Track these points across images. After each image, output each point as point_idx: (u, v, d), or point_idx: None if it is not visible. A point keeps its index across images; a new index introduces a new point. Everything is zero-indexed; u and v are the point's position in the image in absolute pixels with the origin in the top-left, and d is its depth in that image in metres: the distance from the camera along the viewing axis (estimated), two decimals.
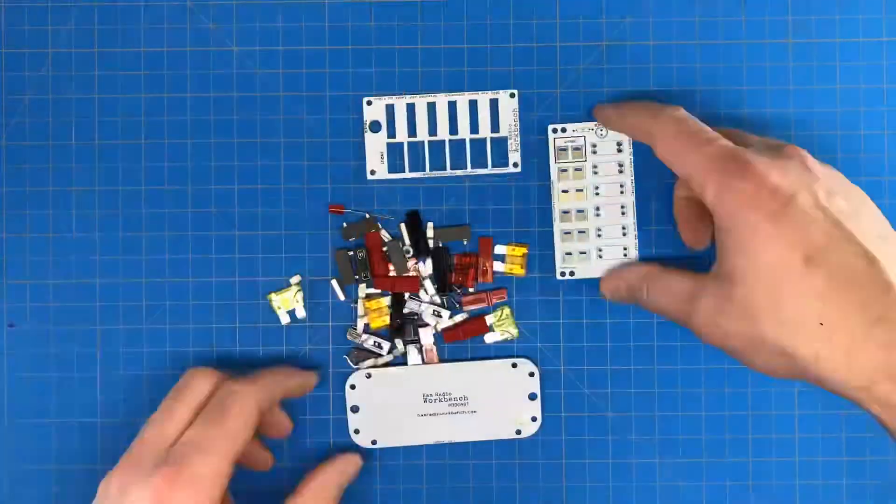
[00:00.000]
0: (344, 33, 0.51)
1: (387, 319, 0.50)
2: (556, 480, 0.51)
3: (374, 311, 0.50)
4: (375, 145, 0.51)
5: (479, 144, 0.51)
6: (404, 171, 0.51)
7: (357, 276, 0.50)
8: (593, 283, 0.50)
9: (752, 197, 0.42)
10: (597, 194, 0.50)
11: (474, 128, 0.51)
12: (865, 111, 0.51)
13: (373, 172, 0.51)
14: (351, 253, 0.50)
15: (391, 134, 0.51)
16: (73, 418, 0.51)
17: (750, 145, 0.45)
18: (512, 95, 0.51)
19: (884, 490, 0.51)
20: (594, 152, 0.51)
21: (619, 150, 0.51)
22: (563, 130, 0.51)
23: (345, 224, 0.51)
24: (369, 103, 0.51)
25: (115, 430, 0.51)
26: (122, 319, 0.51)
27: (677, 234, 0.50)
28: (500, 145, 0.51)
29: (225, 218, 0.51)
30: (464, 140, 0.51)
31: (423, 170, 0.51)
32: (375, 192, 0.51)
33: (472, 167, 0.51)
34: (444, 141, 0.51)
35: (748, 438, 0.51)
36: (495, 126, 0.51)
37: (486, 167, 0.51)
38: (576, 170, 0.51)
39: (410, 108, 0.51)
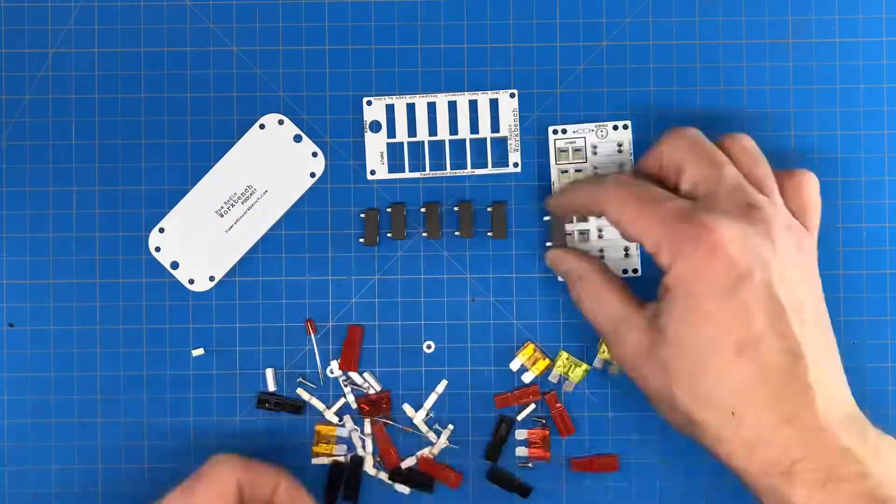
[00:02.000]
0: (344, 33, 0.51)
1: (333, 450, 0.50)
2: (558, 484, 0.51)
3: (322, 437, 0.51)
4: (375, 145, 0.51)
5: (479, 144, 0.51)
6: (404, 171, 0.51)
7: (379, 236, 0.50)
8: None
9: (704, 267, 0.41)
10: None
11: (474, 128, 0.51)
12: (865, 111, 0.51)
13: (373, 172, 0.51)
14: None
15: (391, 134, 0.51)
16: (72, 418, 0.51)
17: (717, 194, 0.43)
18: (512, 95, 0.51)
19: None
20: (594, 153, 0.51)
21: (620, 151, 0.50)
22: (564, 132, 0.51)
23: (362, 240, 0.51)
24: (369, 103, 0.51)
25: (115, 430, 0.51)
26: (122, 319, 0.51)
27: None
28: (501, 145, 0.51)
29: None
30: (464, 140, 0.51)
31: (424, 170, 0.51)
32: (375, 193, 0.51)
33: (473, 167, 0.51)
34: (444, 141, 0.51)
35: None
36: (495, 126, 0.51)
37: (487, 167, 0.51)
38: (576, 171, 0.51)
39: (410, 108, 0.51)
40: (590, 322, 0.46)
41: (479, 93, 0.51)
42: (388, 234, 0.51)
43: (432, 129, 0.51)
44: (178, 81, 0.51)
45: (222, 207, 0.50)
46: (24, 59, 0.51)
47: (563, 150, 0.50)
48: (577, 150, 0.50)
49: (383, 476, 0.50)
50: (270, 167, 0.50)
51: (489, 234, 0.51)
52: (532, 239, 0.51)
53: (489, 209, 0.51)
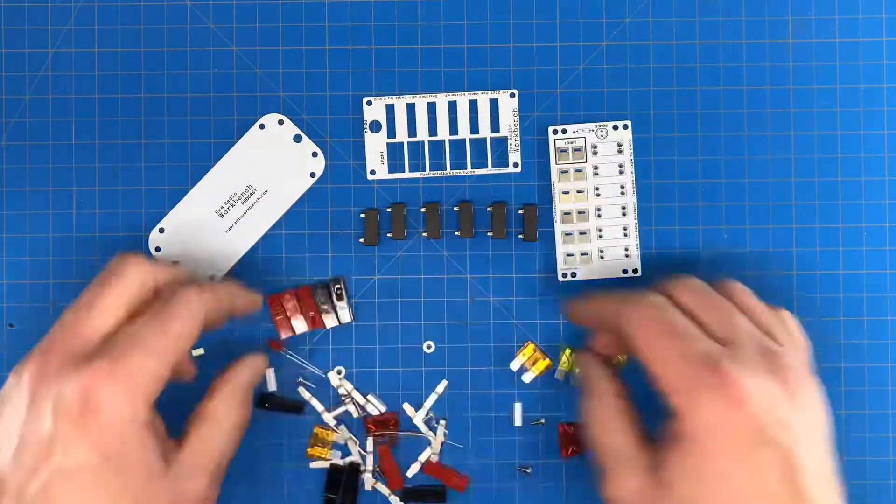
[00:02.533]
0: (344, 33, 0.51)
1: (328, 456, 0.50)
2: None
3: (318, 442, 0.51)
4: (375, 145, 0.51)
5: (479, 144, 0.51)
6: (404, 171, 0.51)
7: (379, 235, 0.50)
8: (594, 285, 0.50)
9: (724, 423, 0.39)
10: (597, 195, 0.50)
11: (474, 128, 0.51)
12: (865, 111, 0.51)
13: (373, 172, 0.51)
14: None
15: (391, 134, 0.51)
16: None
17: (738, 343, 0.41)
18: (512, 95, 0.51)
19: (884, 490, 0.51)
20: (595, 153, 0.51)
21: (620, 151, 0.51)
22: (564, 132, 0.51)
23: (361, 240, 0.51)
24: (369, 103, 0.51)
25: None
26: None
27: (677, 238, 0.50)
28: (501, 145, 0.51)
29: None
30: (464, 140, 0.51)
31: (424, 170, 0.51)
32: (375, 193, 0.51)
33: (473, 167, 0.51)
34: (444, 141, 0.51)
35: None
36: (495, 126, 0.51)
37: (487, 167, 0.51)
38: (576, 171, 0.51)
39: (410, 108, 0.51)
40: (588, 443, 0.45)
41: (479, 93, 0.51)
42: (388, 234, 0.51)
43: (432, 129, 0.51)
44: (178, 81, 0.51)
45: (222, 207, 0.50)
46: (24, 59, 0.51)
47: (563, 150, 0.50)
48: (577, 149, 0.50)
49: (383, 490, 0.50)
50: (270, 167, 0.50)
51: (489, 233, 0.51)
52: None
53: (489, 209, 0.51)
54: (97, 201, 0.51)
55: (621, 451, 0.42)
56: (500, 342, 0.51)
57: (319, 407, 0.51)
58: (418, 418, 0.50)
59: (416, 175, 0.51)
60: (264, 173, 0.50)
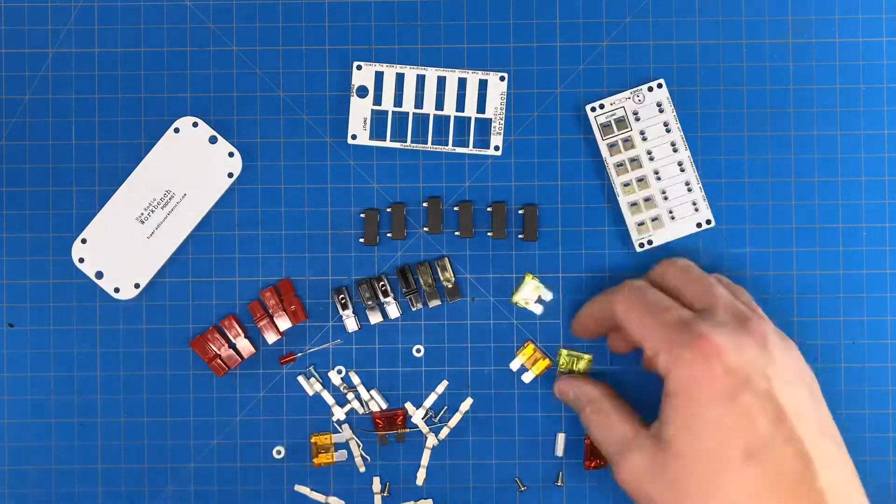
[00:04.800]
0: (344, 33, 0.51)
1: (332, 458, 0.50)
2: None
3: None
4: (360, 110, 0.51)
5: (462, 123, 0.51)
6: (385, 140, 0.51)
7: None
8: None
9: (703, 373, 0.42)
10: (651, 159, 0.50)
11: (461, 106, 0.51)
12: (865, 111, 0.51)
13: (354, 137, 0.51)
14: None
15: (377, 101, 0.51)
16: (72, 418, 0.51)
17: (714, 308, 0.44)
18: (502, 79, 0.51)
19: (884, 490, 0.51)
20: (637, 119, 0.50)
21: (661, 111, 0.50)
22: (602, 107, 0.50)
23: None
24: (359, 68, 0.51)
25: (115, 430, 0.51)
26: (122, 319, 0.51)
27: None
28: (484, 127, 0.51)
29: (225, 218, 0.51)
30: (448, 117, 0.51)
31: (405, 140, 0.51)
32: (375, 193, 0.51)
33: (454, 145, 0.51)
34: (428, 115, 0.51)
35: None
36: (481, 107, 0.51)
37: (467, 146, 0.51)
38: (624, 141, 0.50)
39: (399, 78, 0.51)
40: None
41: (470, 71, 0.51)
42: (388, 234, 0.51)
43: (419, 103, 0.51)
44: (178, 81, 0.51)
45: (142, 214, 0.50)
46: (24, 59, 0.51)
47: (605, 125, 0.50)
48: (619, 120, 0.50)
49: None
50: (187, 170, 0.50)
51: (489, 234, 0.51)
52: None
53: (489, 209, 0.51)
54: (97, 201, 0.51)
55: (624, 439, 0.45)
56: (499, 342, 0.51)
57: (330, 400, 0.50)
58: (417, 417, 0.50)
59: (396, 145, 0.51)
60: (182, 177, 0.50)
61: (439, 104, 0.51)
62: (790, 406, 0.41)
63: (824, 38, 0.51)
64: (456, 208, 0.51)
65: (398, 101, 0.51)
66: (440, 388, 0.51)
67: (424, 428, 0.51)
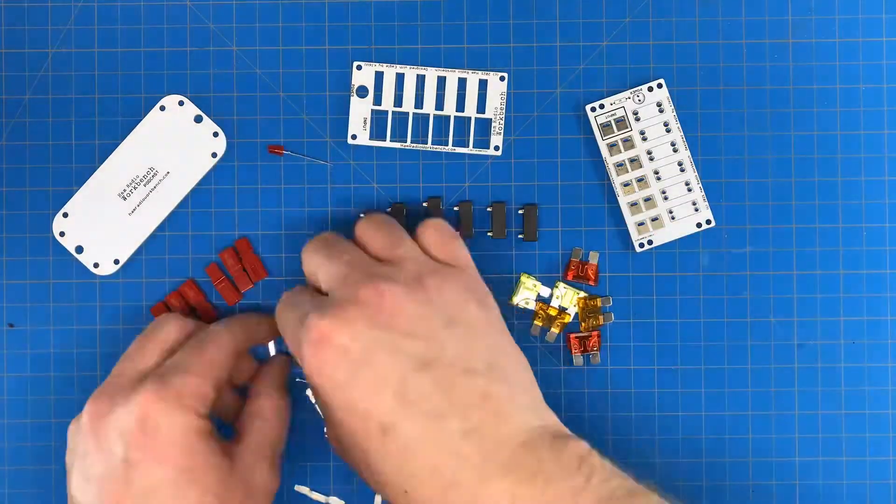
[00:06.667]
0: (344, 33, 0.51)
1: None
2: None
3: None
4: (360, 110, 0.51)
5: (462, 123, 0.51)
6: (385, 140, 0.51)
7: None
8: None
9: (319, 365, 0.41)
10: (651, 159, 0.50)
11: (461, 106, 0.51)
12: (865, 111, 0.51)
13: (354, 137, 0.51)
14: None
15: (377, 101, 0.51)
16: (72, 418, 0.51)
17: (332, 287, 0.43)
18: (502, 79, 0.51)
19: (884, 489, 0.51)
20: (637, 119, 0.50)
21: (661, 111, 0.50)
22: (602, 107, 0.50)
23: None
24: (359, 68, 0.51)
25: None
26: (122, 319, 0.51)
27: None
28: (485, 127, 0.51)
29: (225, 218, 0.51)
30: (448, 117, 0.51)
31: (405, 140, 0.51)
32: (375, 193, 0.51)
33: (454, 145, 0.51)
34: (428, 115, 0.51)
35: (748, 438, 0.51)
36: (481, 107, 0.51)
37: (467, 146, 0.51)
38: (624, 141, 0.51)
39: (399, 79, 0.51)
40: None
41: (470, 71, 0.51)
42: None
43: (419, 102, 0.51)
44: (178, 81, 0.51)
45: (125, 191, 0.50)
46: (24, 59, 0.51)
47: (605, 125, 0.50)
48: (619, 120, 0.50)
49: None
50: (171, 149, 0.50)
51: (489, 233, 0.51)
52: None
53: (489, 209, 0.51)
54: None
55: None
56: None
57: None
58: None
59: (396, 145, 0.51)
60: (166, 155, 0.50)
61: (439, 104, 0.51)
62: (416, 358, 0.40)
63: (824, 38, 0.51)
64: (456, 208, 0.51)
65: (398, 101, 0.51)
66: None
67: None
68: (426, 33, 0.51)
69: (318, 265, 0.45)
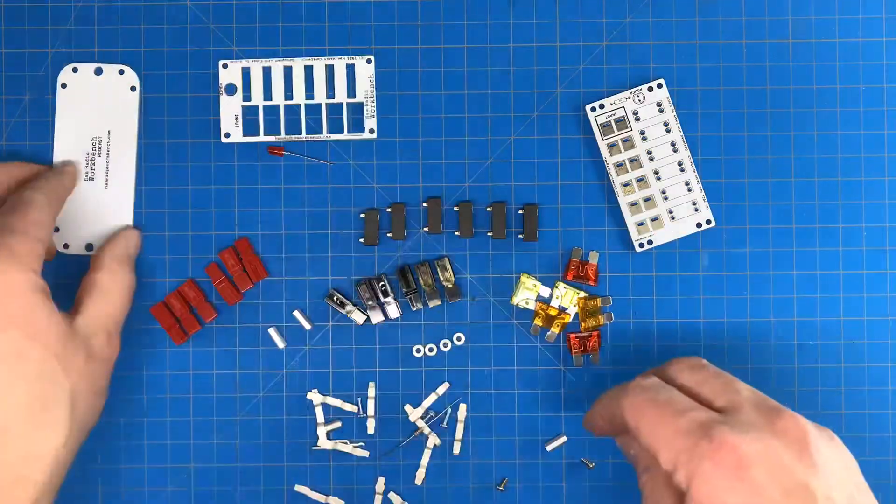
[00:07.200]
0: (343, 33, 0.51)
1: None
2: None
3: None
4: (230, 108, 0.51)
5: (336, 110, 0.51)
6: (259, 135, 0.51)
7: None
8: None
9: (728, 489, 0.36)
10: (651, 159, 0.50)
11: (331, 93, 0.51)
12: (865, 111, 0.51)
13: (227, 135, 0.51)
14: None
15: (246, 97, 0.51)
16: None
17: (738, 406, 0.38)
18: (368, 61, 0.51)
19: (884, 490, 0.51)
20: (637, 119, 0.50)
21: (661, 111, 0.50)
22: (602, 107, 0.50)
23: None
24: (225, 66, 0.51)
25: (115, 430, 0.51)
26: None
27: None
28: (358, 111, 0.51)
29: (225, 218, 0.51)
30: (320, 105, 0.51)
31: (279, 133, 0.51)
32: (375, 193, 0.51)
33: (329, 132, 0.51)
34: (300, 105, 0.51)
35: None
36: (352, 92, 0.51)
37: (343, 133, 0.51)
38: (624, 141, 0.50)
39: (266, 72, 0.51)
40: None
41: (336, 58, 0.51)
42: (388, 234, 0.51)
43: (288, 94, 0.51)
44: (178, 81, 0.51)
45: (87, 171, 0.50)
46: (24, 59, 0.51)
47: (605, 125, 0.50)
48: (618, 120, 0.50)
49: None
50: (96, 112, 0.50)
51: (489, 233, 0.51)
52: None
53: (489, 209, 0.51)
54: None
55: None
56: (499, 342, 0.51)
57: (320, 418, 0.50)
58: (415, 415, 0.50)
59: (271, 139, 0.51)
60: (97, 120, 0.50)
61: (309, 93, 0.51)
62: None
63: (824, 38, 0.51)
64: (456, 208, 0.51)
65: (267, 94, 0.51)
66: (441, 390, 0.51)
67: (425, 428, 0.51)
68: (426, 33, 0.51)
69: (704, 381, 0.40)
